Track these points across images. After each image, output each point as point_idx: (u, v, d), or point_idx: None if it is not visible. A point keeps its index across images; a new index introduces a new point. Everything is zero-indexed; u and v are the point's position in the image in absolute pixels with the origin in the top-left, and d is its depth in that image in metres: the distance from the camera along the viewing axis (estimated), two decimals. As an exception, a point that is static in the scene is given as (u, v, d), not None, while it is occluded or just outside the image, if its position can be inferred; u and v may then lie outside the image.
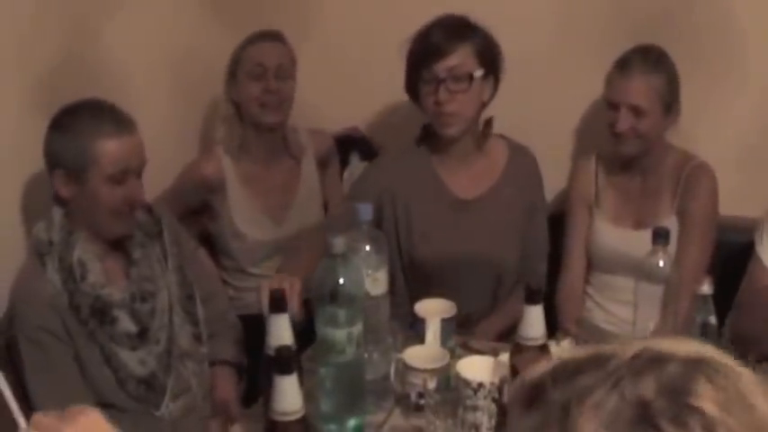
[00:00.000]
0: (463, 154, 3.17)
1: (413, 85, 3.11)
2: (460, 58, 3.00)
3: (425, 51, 3.04)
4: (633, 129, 3.10)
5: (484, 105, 3.12)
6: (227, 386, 2.89)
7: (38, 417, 1.46)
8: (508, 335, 3.06)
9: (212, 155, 3.50)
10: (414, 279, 3.17)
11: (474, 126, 3.14)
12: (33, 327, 2.56)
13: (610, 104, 3.15)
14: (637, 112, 3.09)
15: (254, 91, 3.38)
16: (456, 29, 3.04)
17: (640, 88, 3.09)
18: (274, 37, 3.43)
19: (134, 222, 2.72)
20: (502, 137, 3.25)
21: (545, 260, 3.28)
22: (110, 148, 2.58)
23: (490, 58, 3.07)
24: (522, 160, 3.25)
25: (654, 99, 3.08)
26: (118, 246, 2.74)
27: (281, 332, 2.26)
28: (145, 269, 2.75)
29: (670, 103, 3.12)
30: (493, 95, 3.13)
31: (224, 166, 3.45)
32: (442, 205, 3.17)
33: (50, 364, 2.56)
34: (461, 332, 2.80)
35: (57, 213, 2.65)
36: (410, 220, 3.15)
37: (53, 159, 2.62)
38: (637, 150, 3.17)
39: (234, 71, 3.42)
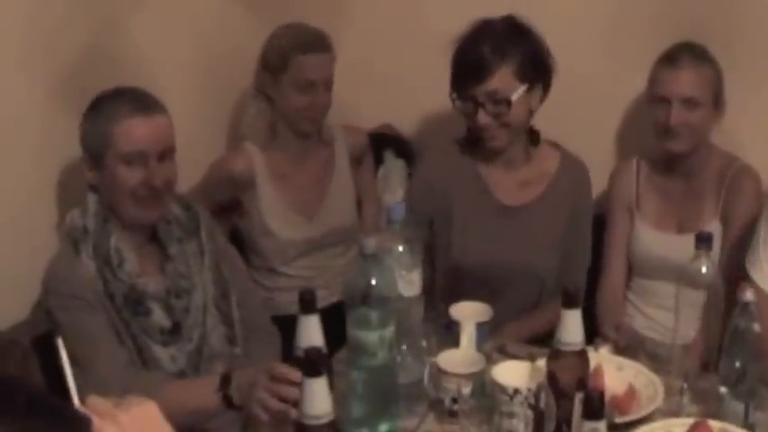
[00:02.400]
0: (509, 162, 3.17)
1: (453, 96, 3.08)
2: (500, 81, 2.97)
3: (465, 71, 3.03)
4: (686, 122, 3.10)
5: (531, 113, 3.10)
6: None
7: (94, 399, 1.45)
8: (543, 339, 3.08)
9: (242, 151, 3.49)
10: (454, 284, 3.14)
11: (521, 135, 3.13)
12: (68, 296, 2.57)
13: (659, 100, 3.14)
14: (689, 103, 3.10)
15: (300, 103, 3.39)
16: (499, 43, 2.99)
17: (692, 78, 3.10)
18: (323, 47, 3.41)
19: (161, 211, 2.72)
20: (555, 145, 3.24)
21: (585, 272, 3.26)
22: (124, 128, 2.60)
23: (535, 69, 3.03)
24: (572, 171, 3.22)
25: (706, 89, 3.10)
26: (153, 239, 2.76)
27: (310, 334, 2.26)
28: (180, 265, 2.76)
29: (718, 97, 3.14)
30: (543, 99, 3.09)
31: (254, 161, 3.46)
32: (487, 210, 3.17)
33: (89, 328, 2.55)
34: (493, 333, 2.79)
35: (91, 200, 2.67)
36: (455, 223, 3.16)
37: (81, 146, 2.67)
38: (688, 146, 3.16)
39: (275, 73, 3.40)
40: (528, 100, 3.03)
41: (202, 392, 2.45)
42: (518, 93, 2.98)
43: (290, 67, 3.37)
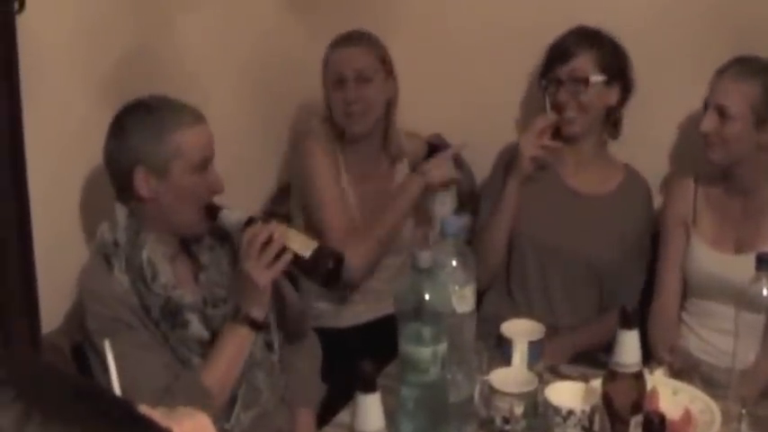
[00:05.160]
0: (581, 154, 3.47)
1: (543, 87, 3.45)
2: (580, 63, 3.36)
3: (552, 55, 3.42)
4: (718, 133, 3.11)
5: (609, 110, 3.44)
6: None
7: (145, 409, 1.47)
8: (588, 357, 3.11)
9: (321, 139, 3.51)
10: (512, 268, 3.45)
11: (594, 128, 3.44)
12: (108, 319, 2.59)
13: (704, 107, 3.16)
14: (722, 113, 3.10)
15: (337, 100, 3.43)
16: (583, 37, 3.39)
17: (728, 89, 3.10)
18: (354, 40, 3.46)
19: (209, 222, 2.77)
20: (625, 164, 3.54)
21: (639, 291, 3.41)
22: (191, 137, 2.66)
23: (613, 66, 3.39)
24: (637, 184, 3.52)
25: (742, 105, 3.08)
26: (186, 250, 2.79)
27: (370, 414, 2.13)
28: (214, 274, 2.79)
29: (765, 118, 3.10)
30: (622, 102, 3.43)
31: (335, 153, 3.51)
32: (555, 192, 3.46)
33: (129, 355, 2.50)
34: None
35: (120, 213, 2.69)
36: (524, 202, 3.42)
37: (131, 158, 2.65)
38: (722, 159, 3.16)
39: (323, 77, 3.45)
40: (605, 93, 3.39)
41: (231, 344, 2.66)
42: (596, 78, 3.34)
43: (327, 64, 3.45)
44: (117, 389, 1.55)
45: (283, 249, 2.64)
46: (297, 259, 2.65)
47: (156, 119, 2.65)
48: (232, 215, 2.73)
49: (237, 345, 2.68)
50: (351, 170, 3.51)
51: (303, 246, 2.67)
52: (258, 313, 2.68)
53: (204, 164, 2.68)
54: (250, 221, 2.69)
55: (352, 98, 3.41)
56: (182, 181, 2.65)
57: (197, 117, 2.70)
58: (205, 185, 2.69)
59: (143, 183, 2.65)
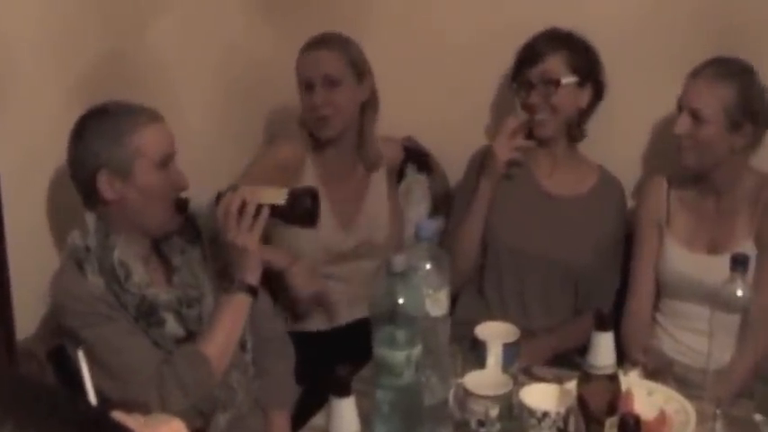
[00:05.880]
0: (555, 156, 3.48)
1: (513, 89, 3.46)
2: (552, 65, 3.35)
3: (523, 58, 3.41)
4: (691, 136, 3.12)
5: (581, 112, 3.43)
6: None
7: (119, 415, 1.47)
8: (564, 358, 3.12)
9: (291, 138, 3.54)
10: (487, 271, 3.46)
11: (565, 130, 3.44)
12: (87, 314, 2.60)
13: (678, 109, 3.17)
14: (695, 116, 3.10)
15: (305, 104, 3.44)
16: (554, 38, 3.39)
17: (702, 93, 3.11)
18: (324, 43, 3.44)
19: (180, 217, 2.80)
20: (599, 166, 3.54)
21: (613, 294, 3.42)
22: (149, 136, 2.69)
23: (585, 68, 3.38)
24: (611, 186, 3.53)
25: (716, 108, 3.08)
26: (157, 252, 2.81)
27: (345, 418, 2.16)
28: (187, 276, 2.82)
29: (739, 122, 3.10)
30: (593, 105, 3.42)
31: (304, 152, 3.50)
32: (529, 194, 3.46)
33: (116, 339, 2.61)
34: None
35: (90, 219, 2.70)
36: (496, 202, 3.43)
37: (92, 164, 2.67)
38: (695, 163, 3.18)
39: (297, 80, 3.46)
40: (577, 94, 3.39)
41: (229, 312, 2.75)
42: (567, 79, 3.34)
43: (297, 68, 3.45)
44: (91, 396, 1.55)
45: (259, 208, 2.70)
46: (274, 210, 2.73)
47: (114, 122, 2.67)
48: (202, 201, 2.78)
49: (235, 313, 2.75)
50: (323, 174, 3.50)
51: (275, 196, 2.75)
52: (253, 278, 2.77)
53: (165, 161, 2.71)
54: (219, 197, 2.75)
55: (319, 102, 3.40)
56: (145, 180, 2.68)
57: (154, 116, 2.73)
58: (169, 182, 2.72)
59: (107, 186, 2.66)
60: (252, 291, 2.77)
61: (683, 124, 3.12)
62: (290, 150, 3.50)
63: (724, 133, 3.11)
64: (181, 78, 3.41)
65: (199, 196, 2.78)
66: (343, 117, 3.45)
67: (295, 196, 2.76)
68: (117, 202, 2.68)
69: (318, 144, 3.50)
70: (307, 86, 3.41)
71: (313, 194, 2.79)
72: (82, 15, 3.02)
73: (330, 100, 3.41)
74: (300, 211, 2.76)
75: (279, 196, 2.75)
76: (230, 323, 2.74)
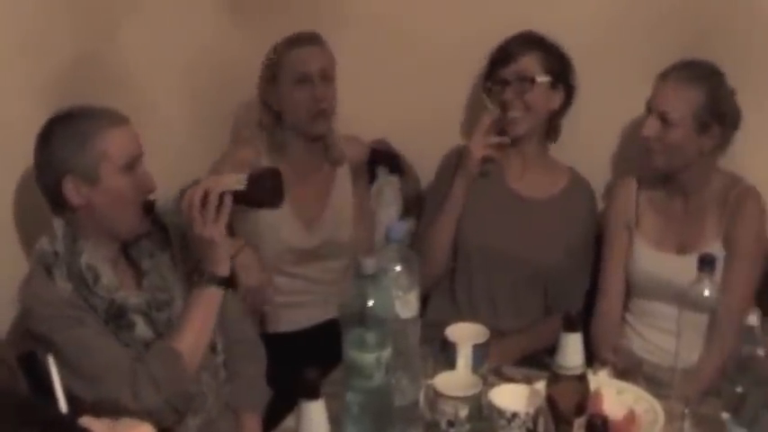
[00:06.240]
0: (526, 158, 3.50)
1: (486, 89, 3.47)
2: (526, 64, 3.38)
3: (497, 58, 3.44)
4: (660, 139, 3.14)
5: (552, 113, 3.47)
6: None
7: (87, 420, 1.47)
8: (538, 359, 3.13)
9: (251, 140, 3.57)
10: (460, 271, 3.47)
11: (538, 132, 3.48)
12: (57, 318, 2.60)
13: (646, 111, 3.19)
14: (664, 119, 3.13)
15: (301, 99, 3.45)
16: (529, 40, 3.43)
17: (670, 96, 3.13)
18: (312, 40, 3.49)
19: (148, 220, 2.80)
20: (570, 168, 3.56)
21: (583, 294, 3.44)
22: (114, 139, 2.68)
23: (558, 70, 3.43)
24: (581, 188, 3.54)
25: (684, 112, 3.11)
26: (126, 256, 2.81)
27: (315, 421, 2.16)
28: (156, 279, 2.82)
29: (707, 124, 3.13)
30: (564, 106, 3.45)
31: (261, 154, 3.53)
32: (500, 196, 3.47)
33: (87, 340, 2.60)
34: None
35: (58, 225, 2.70)
36: (468, 205, 3.44)
37: (58, 170, 2.67)
38: (664, 165, 3.20)
39: (273, 77, 3.47)
40: (550, 95, 3.42)
41: (201, 306, 2.74)
42: (542, 78, 3.38)
43: (284, 63, 3.46)
44: (61, 401, 1.55)
45: (221, 196, 2.70)
46: (237, 196, 2.72)
47: (78, 127, 2.67)
48: (167, 200, 2.78)
49: (207, 307, 2.75)
50: (287, 173, 3.49)
51: (235, 182, 2.74)
52: (223, 269, 2.76)
53: (132, 164, 2.70)
54: (182, 193, 2.75)
55: (320, 95, 3.45)
56: (112, 183, 2.67)
57: (118, 119, 2.72)
58: (136, 185, 2.72)
59: (73, 192, 2.66)
60: (223, 282, 2.76)
61: (652, 127, 3.14)
62: (248, 153, 3.52)
63: (692, 135, 3.13)
64: (151, 80, 3.41)
65: (166, 198, 2.78)
66: (333, 112, 3.52)
67: (255, 178, 2.76)
68: (84, 206, 2.68)
69: (276, 146, 3.52)
70: (301, 81, 3.45)
71: (273, 173, 2.81)
72: (51, 16, 3.02)
73: (327, 94, 3.47)
74: (262, 192, 2.77)
75: (239, 181, 2.74)
76: (202, 317, 2.74)
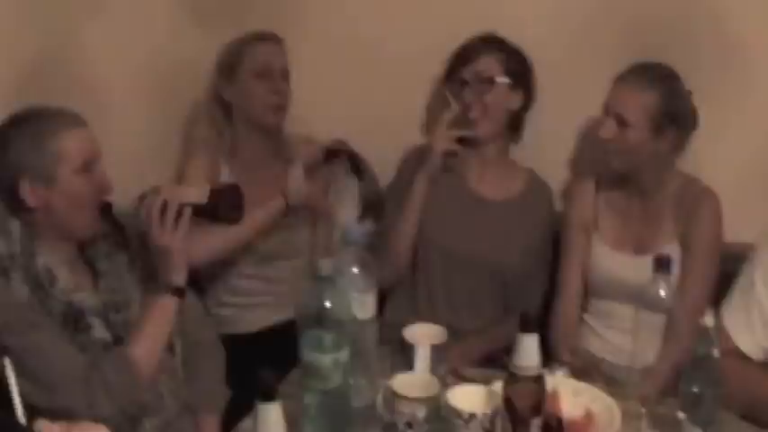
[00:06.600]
0: (485, 158, 3.52)
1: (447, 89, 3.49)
2: (486, 64, 3.40)
3: (457, 57, 3.46)
4: (617, 141, 3.16)
5: (512, 115, 3.48)
6: None
7: (43, 423, 1.46)
8: (494, 360, 3.14)
9: (207, 145, 3.59)
10: (419, 272, 3.47)
11: (498, 133, 3.48)
12: (12, 322, 2.57)
13: (604, 113, 3.21)
14: (621, 121, 3.15)
15: (260, 91, 3.47)
16: (490, 41, 3.44)
17: (627, 99, 3.15)
18: (275, 39, 3.53)
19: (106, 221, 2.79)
20: (529, 169, 3.58)
21: (541, 295, 3.45)
22: (71, 141, 2.69)
23: (518, 71, 3.44)
24: (540, 189, 3.57)
25: (639, 114, 3.13)
26: (83, 257, 2.80)
27: (271, 424, 2.14)
28: (113, 280, 2.81)
29: (663, 126, 3.16)
30: (524, 108, 3.46)
31: (220, 158, 3.54)
32: (460, 197, 3.48)
33: (42, 344, 2.58)
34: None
35: (14, 226, 2.68)
36: (428, 206, 3.44)
37: (15, 170, 2.66)
38: (622, 166, 3.23)
39: (231, 70, 3.48)
40: (509, 96, 3.43)
41: (156, 314, 2.75)
42: (501, 79, 3.40)
43: (246, 56, 3.49)
44: (17, 405, 1.54)
45: (181, 208, 2.72)
46: (197, 209, 2.75)
47: (33, 129, 2.67)
48: (126, 204, 2.78)
49: (162, 315, 2.75)
50: (239, 176, 3.50)
51: (197, 195, 2.77)
52: (179, 279, 2.78)
53: (88, 165, 2.70)
54: (141, 199, 2.76)
55: (280, 89, 3.49)
56: (70, 185, 2.67)
57: (74, 121, 2.73)
58: (93, 186, 2.72)
59: (30, 193, 2.66)
60: (178, 292, 2.77)
61: (609, 129, 3.16)
62: (204, 158, 3.53)
63: (649, 137, 3.15)
64: (111, 80, 3.41)
65: (124, 199, 2.77)
66: (287, 110, 3.56)
67: (217, 194, 2.79)
68: (41, 208, 2.67)
69: (230, 144, 3.54)
70: (262, 74, 3.48)
71: (234, 189, 2.83)
72: (11, 17, 3.01)
73: (285, 90, 3.52)
74: (224, 207, 2.79)
75: (200, 195, 2.77)
76: (157, 326, 2.74)
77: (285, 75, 3.53)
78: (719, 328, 2.61)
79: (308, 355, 2.36)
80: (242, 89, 3.49)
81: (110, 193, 2.76)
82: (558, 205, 3.58)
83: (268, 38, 3.52)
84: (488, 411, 2.33)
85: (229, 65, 3.50)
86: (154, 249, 2.75)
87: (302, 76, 3.56)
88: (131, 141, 3.08)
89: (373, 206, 3.73)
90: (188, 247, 2.77)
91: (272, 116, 3.51)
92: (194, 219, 2.75)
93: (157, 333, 2.74)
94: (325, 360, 2.34)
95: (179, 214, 2.72)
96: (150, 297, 2.77)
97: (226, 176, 3.50)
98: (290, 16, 3.84)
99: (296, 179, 3.42)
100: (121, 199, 2.79)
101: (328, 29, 3.86)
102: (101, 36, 3.36)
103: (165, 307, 2.76)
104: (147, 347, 2.70)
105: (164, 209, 2.71)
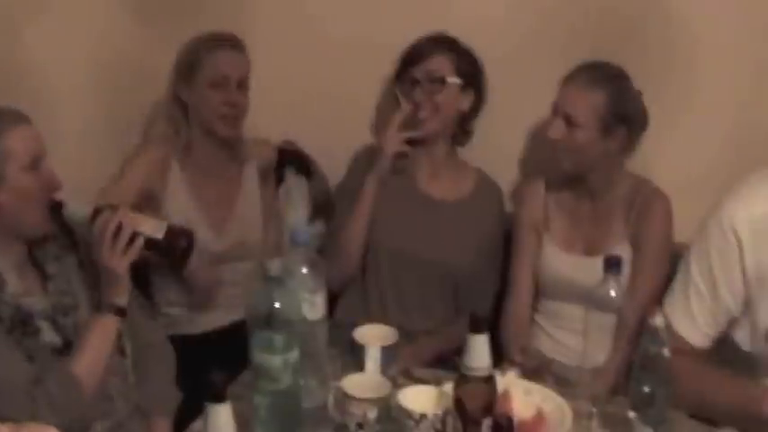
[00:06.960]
0: (435, 159, 3.51)
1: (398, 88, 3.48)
2: (437, 64, 3.40)
3: (408, 56, 3.44)
4: (566, 141, 3.18)
5: (462, 116, 3.48)
6: None
7: None
8: (445, 360, 3.14)
9: (159, 141, 3.56)
10: (369, 273, 3.48)
11: (447, 133, 3.49)
12: None
13: (553, 113, 3.22)
14: (569, 121, 3.16)
15: (215, 101, 3.43)
16: (441, 41, 3.43)
17: (575, 99, 3.16)
18: (236, 45, 3.48)
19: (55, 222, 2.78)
20: (478, 169, 3.58)
21: (492, 295, 3.46)
22: (16, 138, 2.66)
23: (469, 72, 3.44)
24: (489, 189, 3.57)
25: (588, 114, 3.14)
26: (32, 259, 2.77)
27: (222, 426, 2.13)
28: (62, 283, 2.79)
29: (612, 126, 3.16)
30: (474, 109, 3.46)
31: (170, 156, 3.51)
32: (409, 198, 3.48)
33: None
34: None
35: None
36: (378, 207, 3.43)
37: None
38: (571, 166, 3.24)
39: (189, 72, 3.44)
40: (460, 97, 3.43)
41: (97, 333, 2.73)
42: (452, 79, 3.39)
43: (204, 63, 3.43)
44: None
45: (135, 234, 2.72)
46: (149, 242, 2.76)
47: None
48: (78, 209, 2.77)
49: (103, 333, 2.74)
50: (190, 176, 3.51)
51: (154, 228, 2.78)
52: (121, 300, 2.76)
53: (35, 162, 2.69)
54: (97, 212, 2.75)
55: (235, 101, 3.45)
56: (18, 182, 2.65)
57: (18, 118, 2.71)
58: (42, 183, 2.70)
59: None
60: (120, 312, 2.77)
61: (558, 129, 3.17)
62: (156, 153, 3.51)
63: (597, 137, 3.16)
64: (56, 78, 3.38)
65: (76, 204, 2.76)
66: (244, 119, 3.53)
67: (172, 234, 2.81)
68: None
69: (184, 144, 3.51)
70: (218, 84, 3.43)
71: (190, 236, 2.86)
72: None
73: (241, 101, 3.48)
74: (176, 250, 2.83)
75: (157, 229, 2.79)
76: (98, 343, 2.73)
77: (243, 85, 3.47)
78: (668, 326, 2.62)
79: (258, 356, 2.35)
80: (197, 95, 3.46)
81: (59, 190, 2.74)
82: (509, 206, 3.58)
83: (227, 45, 3.46)
84: (439, 412, 2.33)
85: (188, 66, 3.45)
86: (99, 267, 2.75)
87: (251, 76, 3.53)
88: (77, 140, 3.05)
89: (323, 207, 3.73)
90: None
91: (222, 127, 3.47)
92: (142, 251, 2.76)
93: (98, 351, 2.73)
94: (276, 361, 2.33)
95: (131, 241, 2.72)
96: (92, 314, 2.77)
97: (175, 174, 3.48)
98: (239, 15, 3.83)
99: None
100: (68, 198, 2.76)
101: (278, 28, 3.85)
102: (43, 36, 3.33)
103: (107, 326, 2.75)
104: (88, 365, 2.69)
105: (117, 232, 2.70)
